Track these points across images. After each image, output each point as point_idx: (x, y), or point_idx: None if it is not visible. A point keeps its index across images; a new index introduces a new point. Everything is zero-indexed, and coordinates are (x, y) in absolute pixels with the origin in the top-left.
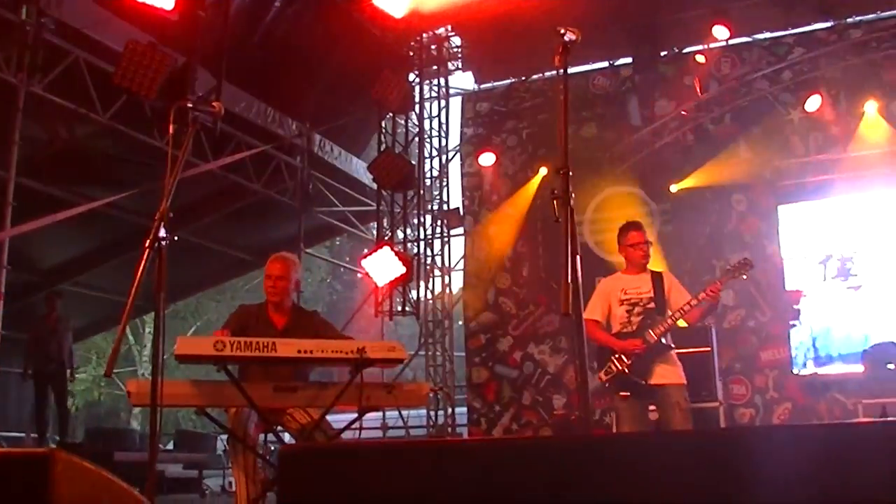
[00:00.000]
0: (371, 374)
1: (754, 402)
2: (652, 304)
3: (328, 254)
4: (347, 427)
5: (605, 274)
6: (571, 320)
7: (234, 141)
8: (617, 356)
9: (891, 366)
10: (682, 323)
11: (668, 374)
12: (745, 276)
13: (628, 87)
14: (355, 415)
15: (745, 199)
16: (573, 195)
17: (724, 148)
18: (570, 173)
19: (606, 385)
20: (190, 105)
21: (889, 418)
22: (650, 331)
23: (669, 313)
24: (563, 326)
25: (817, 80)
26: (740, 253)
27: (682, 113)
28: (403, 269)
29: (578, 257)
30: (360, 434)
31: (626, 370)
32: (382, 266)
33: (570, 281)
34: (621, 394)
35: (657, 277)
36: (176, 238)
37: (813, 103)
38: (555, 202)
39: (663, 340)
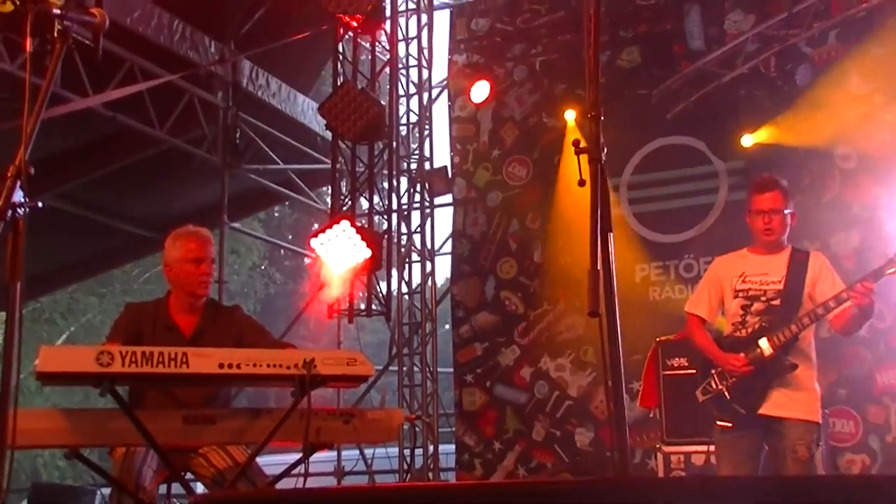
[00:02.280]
0: (323, 397)
1: (868, 446)
2: (778, 301)
3: (263, 230)
4: (287, 472)
5: (653, 261)
6: (600, 323)
7: (124, 67)
8: (718, 371)
9: None
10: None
11: (790, 404)
12: None
13: None
14: (299, 455)
15: (856, 154)
16: (605, 149)
17: (826, 81)
18: (602, 118)
19: (703, 407)
20: (57, 11)
21: None
22: (767, 339)
23: (800, 315)
24: (590, 332)
25: None
26: (845, 231)
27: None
28: (369, 253)
29: (611, 235)
30: (304, 482)
31: (727, 392)
32: (339, 247)
33: (598, 268)
34: (719, 423)
35: (798, 260)
36: (40, 205)
37: None
38: (579, 158)
39: (788, 358)
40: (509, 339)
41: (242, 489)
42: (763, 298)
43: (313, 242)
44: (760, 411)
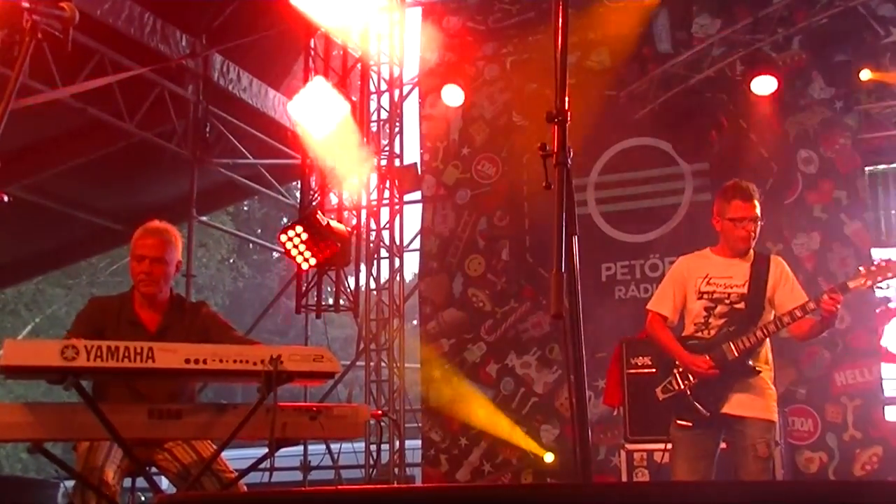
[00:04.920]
0: (290, 392)
1: (826, 445)
2: (742, 305)
3: (232, 224)
4: (253, 468)
5: (619, 260)
6: (563, 324)
7: (94, 60)
8: (680, 370)
9: None
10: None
11: (750, 404)
12: (875, 287)
13: None
14: (265, 450)
15: (818, 157)
16: (571, 151)
17: (790, 85)
18: (569, 121)
19: (663, 405)
20: (26, 4)
21: None
22: (731, 343)
23: (764, 322)
24: (557, 330)
25: None
26: (807, 233)
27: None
28: (337, 248)
29: (575, 238)
30: (270, 477)
31: (689, 392)
32: (308, 242)
33: (562, 270)
34: (679, 421)
35: (760, 266)
36: (7, 198)
37: None
38: (545, 162)
39: (750, 362)
40: (476, 336)
41: (207, 484)
42: (727, 301)
43: (282, 237)
44: (722, 410)
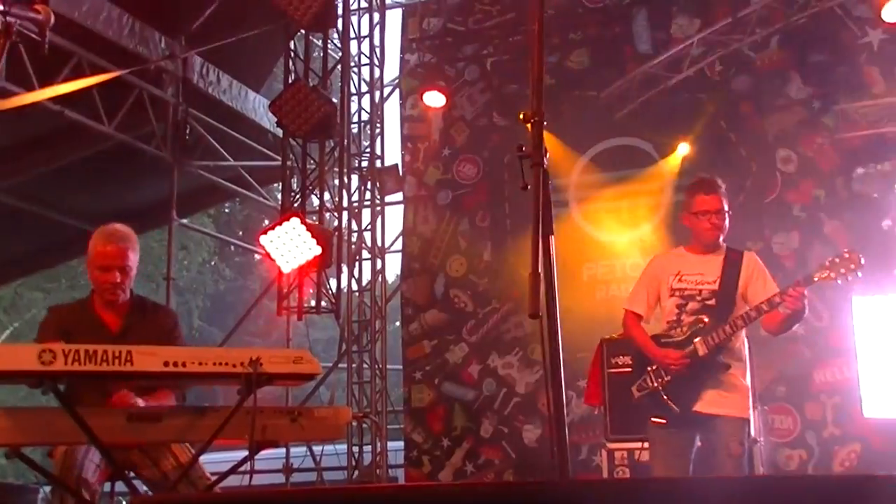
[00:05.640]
0: (272, 395)
1: (805, 442)
2: (713, 301)
3: (213, 226)
4: (232, 471)
5: (600, 259)
6: (541, 325)
7: (72, 62)
8: (653, 368)
9: None
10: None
11: (722, 402)
12: (839, 279)
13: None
14: (246, 453)
15: (797, 156)
16: (548, 153)
17: (769, 84)
18: (546, 122)
19: (638, 404)
20: (1, 7)
21: None
22: (702, 339)
23: (734, 317)
24: (538, 330)
25: None
26: (786, 232)
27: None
28: (319, 250)
29: (552, 238)
30: (250, 480)
31: (662, 390)
32: (289, 244)
33: (539, 271)
34: (653, 420)
35: (733, 261)
36: None
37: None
38: (522, 163)
39: (721, 358)
40: (458, 337)
41: (183, 491)
42: (698, 298)
43: (263, 240)
44: (694, 409)
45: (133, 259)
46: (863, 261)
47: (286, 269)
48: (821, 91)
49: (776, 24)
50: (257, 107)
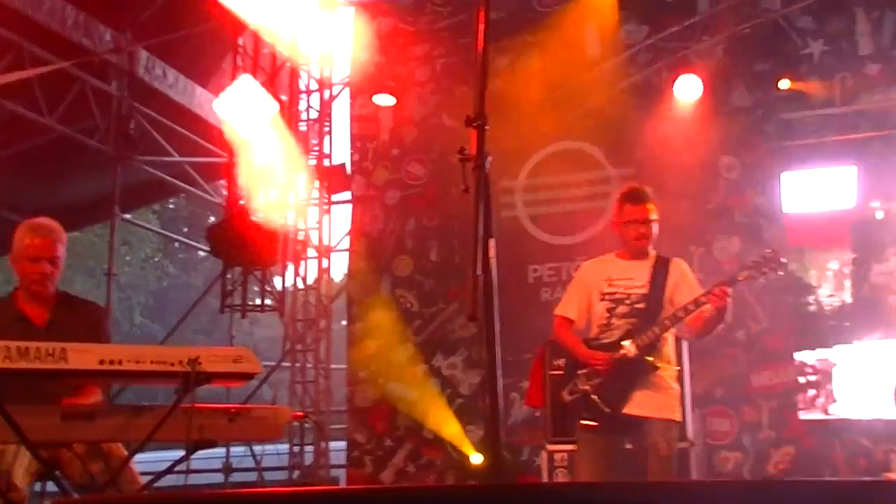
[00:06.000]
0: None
1: (742, 444)
2: (642, 305)
3: (157, 222)
4: (168, 470)
5: (546, 262)
6: (481, 327)
7: (12, 52)
8: (584, 371)
9: None
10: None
11: (650, 403)
12: (760, 278)
13: (586, 3)
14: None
15: (739, 163)
16: (490, 157)
17: (713, 92)
18: (495, 125)
19: (569, 407)
20: None
21: None
22: (631, 341)
23: (662, 317)
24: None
25: None
26: (728, 237)
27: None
28: (264, 248)
29: (492, 241)
30: (185, 479)
31: (593, 392)
32: (234, 242)
33: (478, 273)
34: (583, 422)
35: (660, 267)
36: None
37: (840, 28)
38: (463, 166)
39: (650, 359)
40: (403, 337)
41: (122, 488)
42: (627, 302)
43: (208, 236)
44: (624, 411)
45: (61, 251)
46: (783, 260)
47: (231, 266)
48: (764, 100)
49: (722, 33)
50: (204, 102)
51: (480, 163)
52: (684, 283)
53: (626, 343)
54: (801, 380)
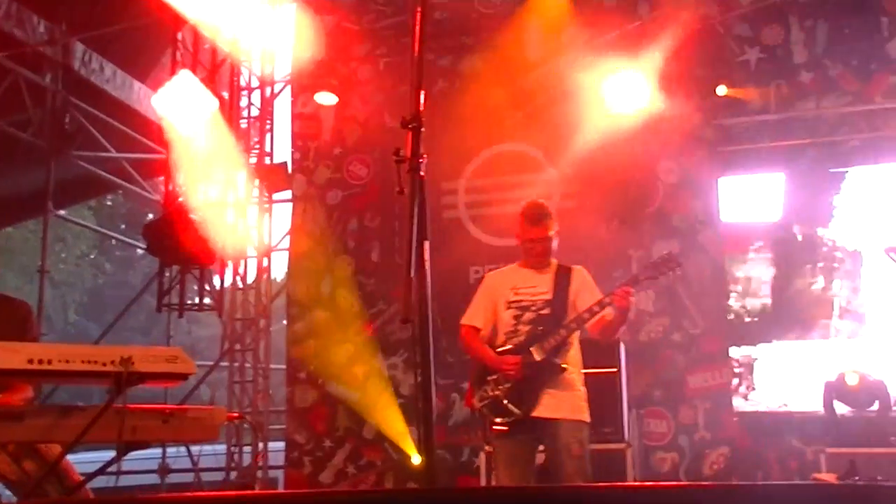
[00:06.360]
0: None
1: (678, 445)
2: (547, 310)
3: (94, 219)
4: (100, 471)
5: (488, 263)
6: (414, 330)
7: None
8: (493, 377)
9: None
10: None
11: (559, 405)
12: (660, 277)
13: (528, 6)
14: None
15: (677, 167)
16: (425, 158)
17: (653, 96)
18: (438, 126)
19: (480, 414)
20: None
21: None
22: (538, 344)
23: (567, 321)
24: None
25: (787, 5)
26: (666, 241)
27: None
28: (202, 246)
29: (427, 244)
30: (117, 481)
31: (503, 397)
32: (172, 239)
33: (412, 275)
34: (496, 427)
35: (562, 275)
36: None
37: (775, 36)
38: (399, 168)
39: (557, 361)
40: (344, 337)
41: (50, 490)
42: (533, 308)
43: (146, 233)
44: (534, 414)
45: None
46: (680, 261)
47: (168, 264)
48: (702, 105)
49: (661, 38)
50: (142, 97)
51: (415, 165)
52: (586, 288)
53: (533, 347)
54: (735, 381)
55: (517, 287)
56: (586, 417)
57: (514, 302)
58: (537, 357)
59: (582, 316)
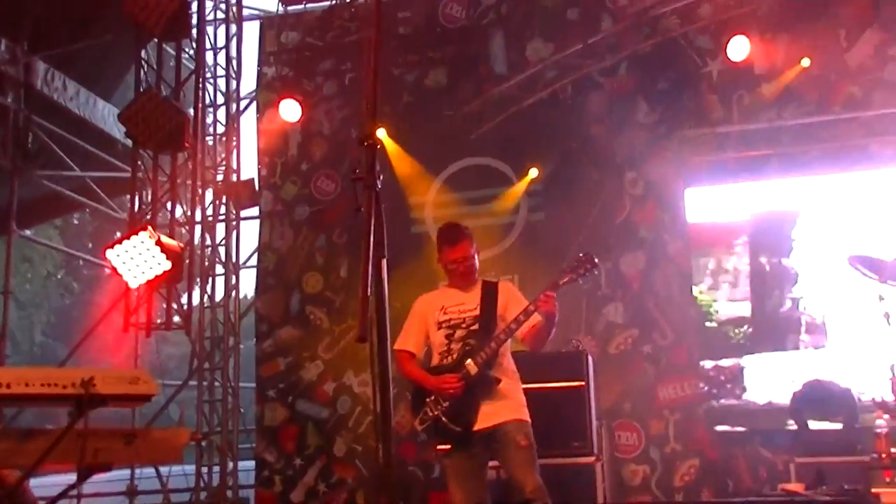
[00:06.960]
0: (121, 414)
1: (649, 457)
2: (476, 326)
3: (60, 238)
4: (62, 496)
5: None
6: (371, 348)
7: None
8: (431, 399)
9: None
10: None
11: (498, 412)
12: (579, 279)
13: (492, 20)
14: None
15: (643, 179)
16: (381, 176)
17: (618, 109)
18: (403, 140)
19: (423, 437)
20: None
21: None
22: (472, 359)
23: (497, 333)
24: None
25: (747, 17)
26: (633, 252)
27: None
28: (169, 265)
29: (384, 262)
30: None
31: (443, 416)
32: (138, 259)
33: (368, 294)
34: (439, 448)
35: (489, 290)
36: None
37: (738, 49)
38: (355, 186)
39: (491, 373)
40: (313, 354)
41: None
42: (463, 325)
43: (109, 254)
44: (475, 428)
45: None
46: (596, 260)
47: (133, 284)
48: (666, 116)
49: (624, 51)
50: (107, 116)
51: (372, 182)
52: (513, 299)
53: (468, 362)
54: (703, 387)
55: (445, 307)
56: (527, 417)
57: (444, 322)
58: (472, 371)
59: (510, 326)
